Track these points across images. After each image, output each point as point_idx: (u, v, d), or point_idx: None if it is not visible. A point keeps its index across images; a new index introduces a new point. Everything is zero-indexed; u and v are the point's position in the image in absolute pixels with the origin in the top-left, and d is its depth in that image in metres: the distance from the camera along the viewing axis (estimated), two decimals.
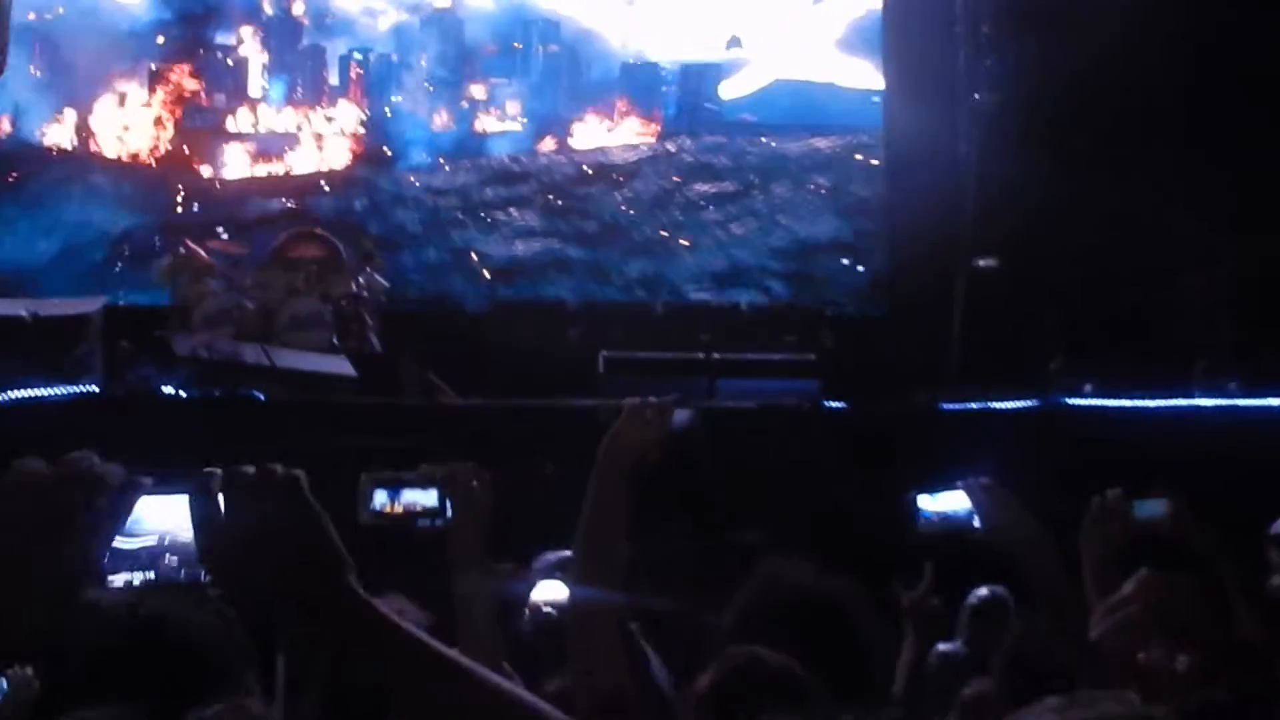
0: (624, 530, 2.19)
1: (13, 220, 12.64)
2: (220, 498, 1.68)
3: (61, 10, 14.55)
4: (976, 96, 9.97)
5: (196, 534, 1.68)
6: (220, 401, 6.33)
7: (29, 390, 5.86)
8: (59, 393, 5.95)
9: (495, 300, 9.83)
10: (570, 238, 14.16)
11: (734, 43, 14.85)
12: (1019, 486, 3.05)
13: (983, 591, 3.57)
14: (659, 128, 15.38)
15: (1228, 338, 7.44)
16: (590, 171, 14.77)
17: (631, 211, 14.30)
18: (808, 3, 14.65)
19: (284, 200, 13.80)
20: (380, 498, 2.32)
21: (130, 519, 2.00)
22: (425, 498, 2.37)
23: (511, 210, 14.30)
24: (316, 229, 10.33)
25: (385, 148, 14.59)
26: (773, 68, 15.26)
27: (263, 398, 6.35)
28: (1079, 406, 5.83)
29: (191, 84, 15.15)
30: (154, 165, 14.93)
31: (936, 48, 10.48)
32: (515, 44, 16.46)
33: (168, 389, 6.28)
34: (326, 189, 14.34)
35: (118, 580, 2.01)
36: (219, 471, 1.71)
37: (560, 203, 14.46)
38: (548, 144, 15.49)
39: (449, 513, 2.35)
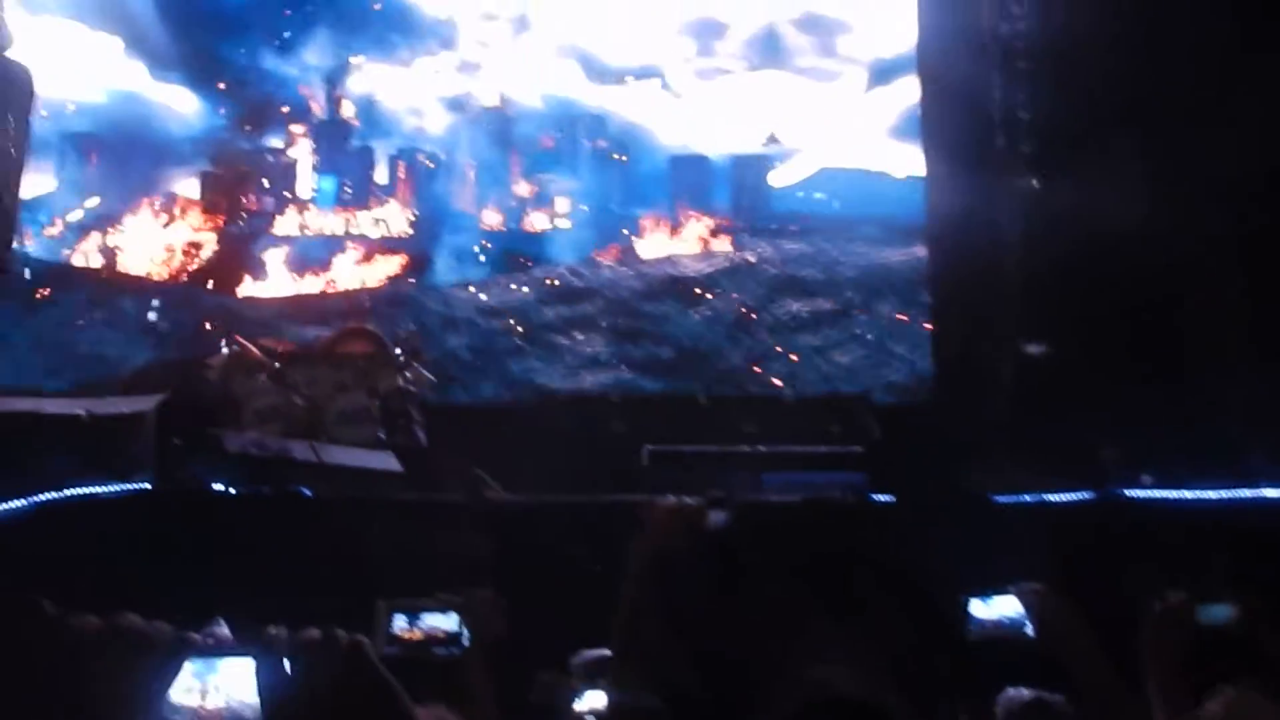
0: (660, 631, 2.16)
1: (23, 353, 12.90)
2: (286, 663, 1.67)
3: (115, 117, 15.04)
4: (1018, 179, 9.97)
5: (262, 701, 1.67)
6: (268, 498, 6.38)
7: (82, 488, 5.94)
8: (111, 490, 6.03)
9: (540, 393, 9.87)
10: (643, 366, 13.44)
11: (772, 139, 14.99)
12: (1076, 583, 2.97)
13: (1023, 694, 3.45)
14: (718, 222, 15.08)
15: None
16: (660, 286, 14.20)
17: (711, 334, 13.46)
18: (858, 92, 14.61)
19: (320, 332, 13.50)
20: (399, 624, 2.31)
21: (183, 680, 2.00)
22: (444, 623, 2.35)
23: (575, 334, 13.53)
24: (364, 325, 10.51)
25: (431, 254, 14.37)
26: (823, 156, 15.13)
27: (310, 494, 6.39)
28: (1137, 498, 5.67)
29: (238, 189, 15.48)
30: (185, 282, 14.89)
31: (975, 129, 10.50)
32: (562, 140, 16.63)
33: (218, 486, 6.34)
34: (368, 306, 14.23)
35: None
36: (282, 633, 1.71)
37: (629, 324, 13.57)
38: (609, 254, 15.19)
39: (466, 640, 2.33)
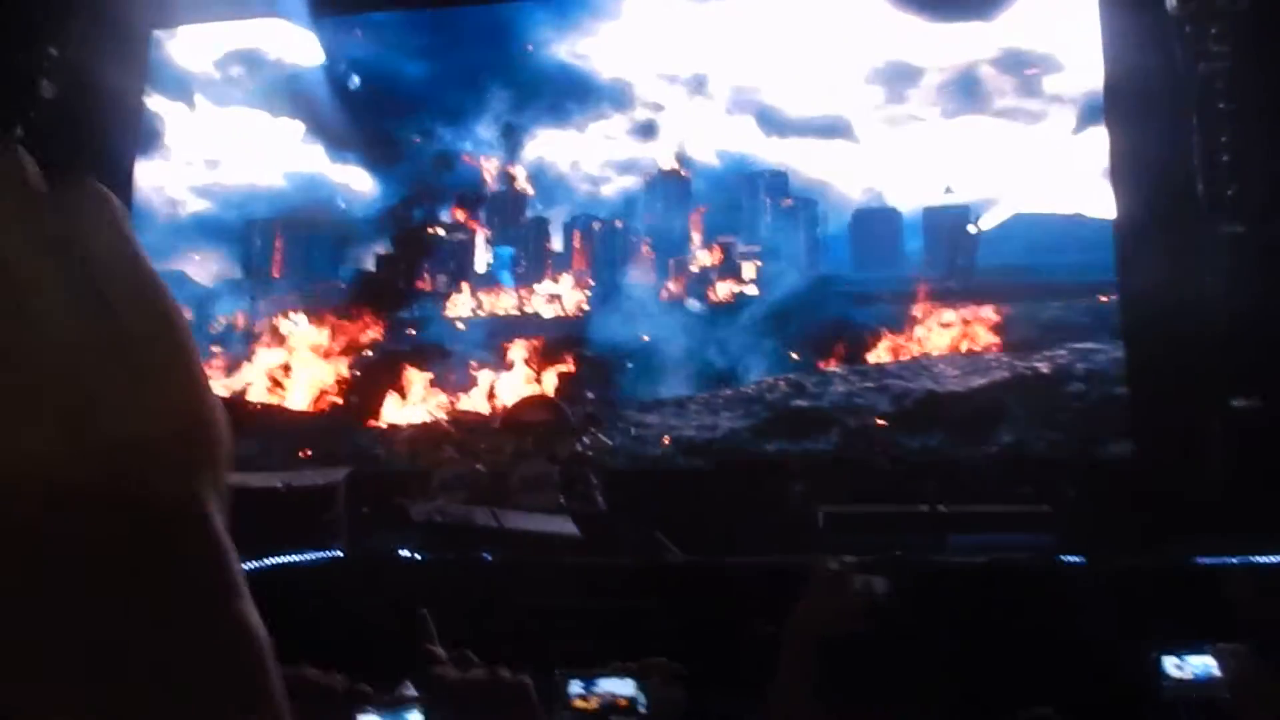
0: (807, 705, 2.11)
1: None
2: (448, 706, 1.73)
3: (296, 202, 15.39)
4: (1219, 226, 9.45)
5: None
6: (452, 563, 6.58)
7: (282, 557, 6.29)
8: (308, 558, 6.36)
9: (718, 456, 9.88)
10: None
11: (949, 190, 14.56)
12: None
13: None
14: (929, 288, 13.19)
15: None
16: (921, 410, 9.77)
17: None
18: (1065, 132, 13.79)
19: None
20: (575, 691, 2.34)
21: None
22: (621, 690, 2.36)
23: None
24: (544, 394, 10.81)
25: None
26: (1018, 202, 14.27)
27: (490, 559, 6.56)
28: None
29: (412, 268, 15.08)
30: (322, 414, 13.45)
31: (1171, 174, 10.00)
32: (744, 199, 15.70)
33: (404, 552, 6.59)
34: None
35: None
36: (450, 673, 1.77)
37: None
38: (833, 351, 11.47)
39: (643, 708, 2.34)
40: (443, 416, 9.80)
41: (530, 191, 16.14)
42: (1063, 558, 5.84)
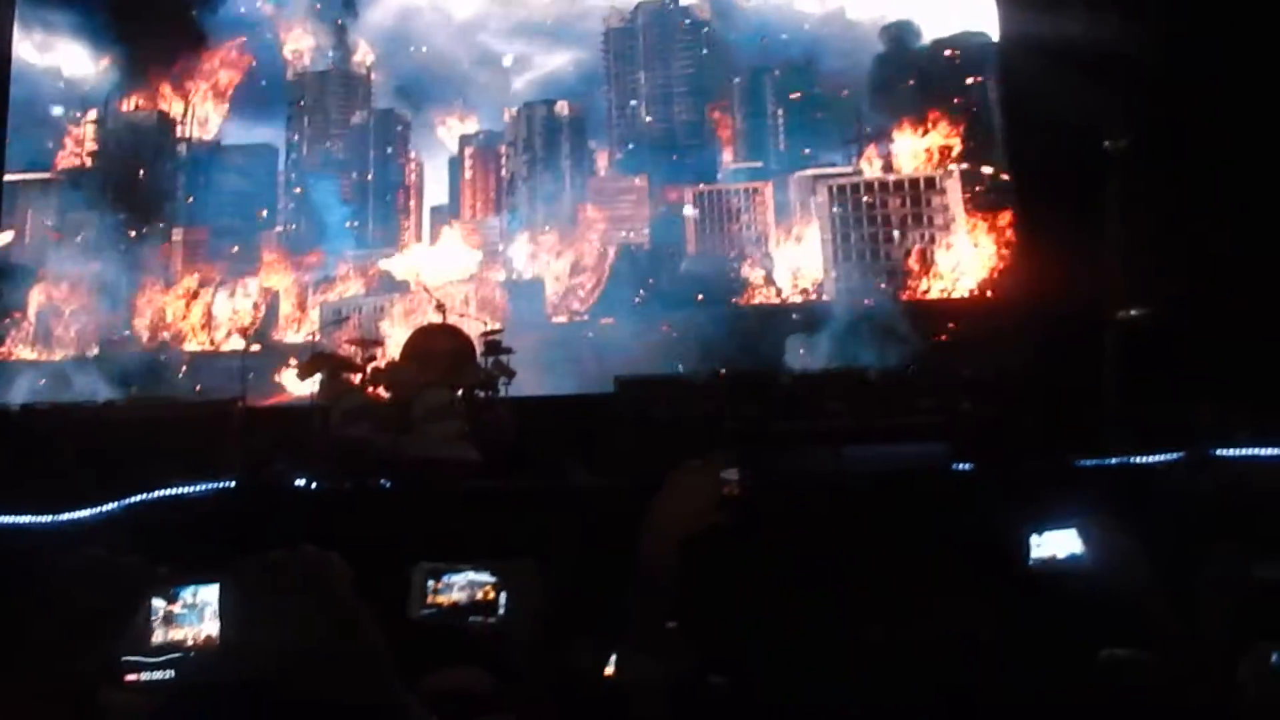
0: (670, 603, 2.10)
1: None
2: (251, 589, 1.64)
3: None
4: (1109, 142, 9.61)
5: (221, 630, 1.66)
6: (350, 492, 6.49)
7: (172, 489, 6.13)
8: (199, 489, 6.21)
9: (620, 380, 9.85)
10: None
11: None
12: (1161, 542, 2.84)
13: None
14: None
15: None
16: None
17: None
18: None
19: None
20: (432, 589, 2.30)
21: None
22: (480, 589, 2.33)
23: None
24: (446, 323, 10.64)
25: None
26: None
27: (389, 486, 6.49)
28: (1228, 458, 5.39)
29: None
30: None
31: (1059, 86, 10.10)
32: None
33: (300, 482, 6.48)
34: None
35: (136, 679, 2.02)
36: (245, 559, 1.69)
37: None
38: None
39: (502, 609, 2.31)
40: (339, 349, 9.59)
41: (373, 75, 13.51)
42: (954, 465, 5.98)
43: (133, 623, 1.67)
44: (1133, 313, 9.02)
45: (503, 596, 2.38)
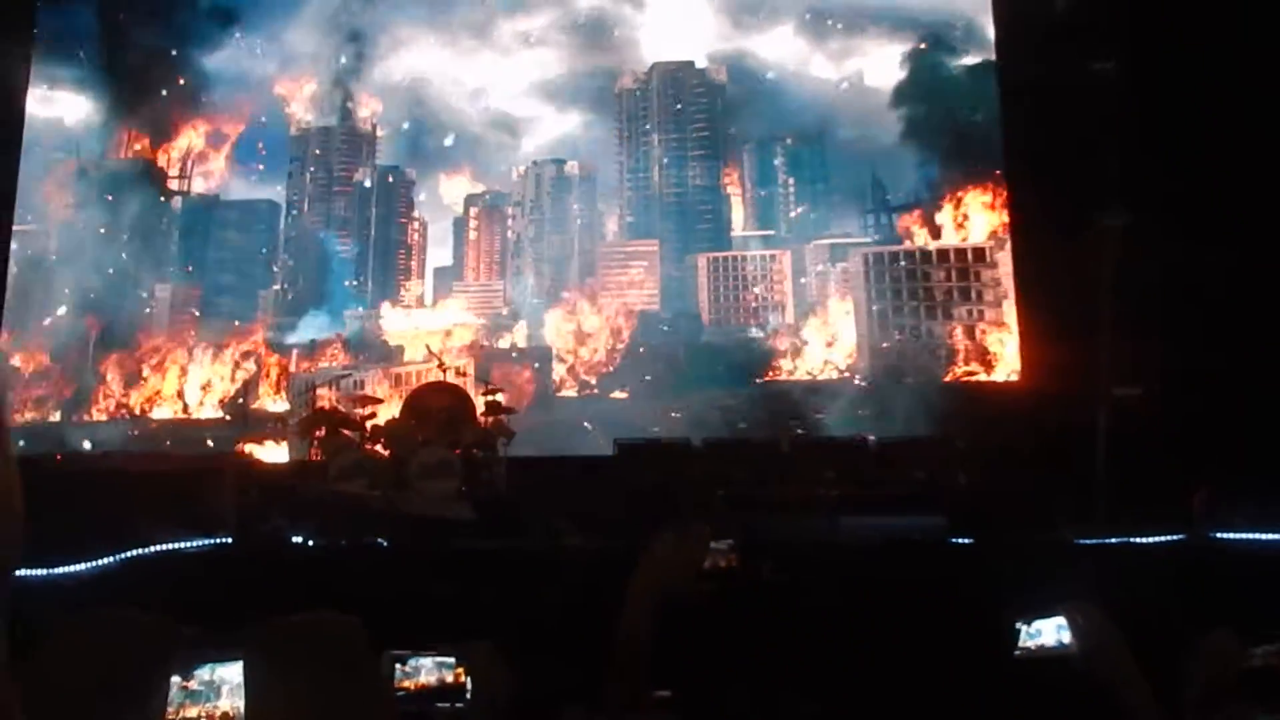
0: (648, 669, 2.12)
1: None
2: (276, 659, 1.68)
3: None
4: (1106, 219, 9.72)
5: (247, 704, 1.69)
6: (345, 550, 6.48)
7: (169, 544, 6.12)
8: (197, 544, 6.20)
9: (619, 443, 9.86)
10: None
11: None
12: (1156, 620, 2.85)
13: None
14: None
15: None
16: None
17: None
18: None
19: None
20: (400, 675, 2.32)
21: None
22: (445, 677, 2.36)
23: None
24: (445, 381, 10.68)
25: None
26: None
27: (386, 544, 6.48)
28: (1227, 541, 5.40)
29: None
30: None
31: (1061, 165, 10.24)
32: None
33: (296, 539, 6.47)
34: None
35: None
36: (269, 626, 1.72)
37: None
38: None
39: (468, 694, 2.33)
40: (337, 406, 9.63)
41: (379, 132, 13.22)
42: (952, 539, 5.98)
43: (164, 687, 1.69)
44: (1125, 391, 9.07)
45: (468, 681, 2.41)
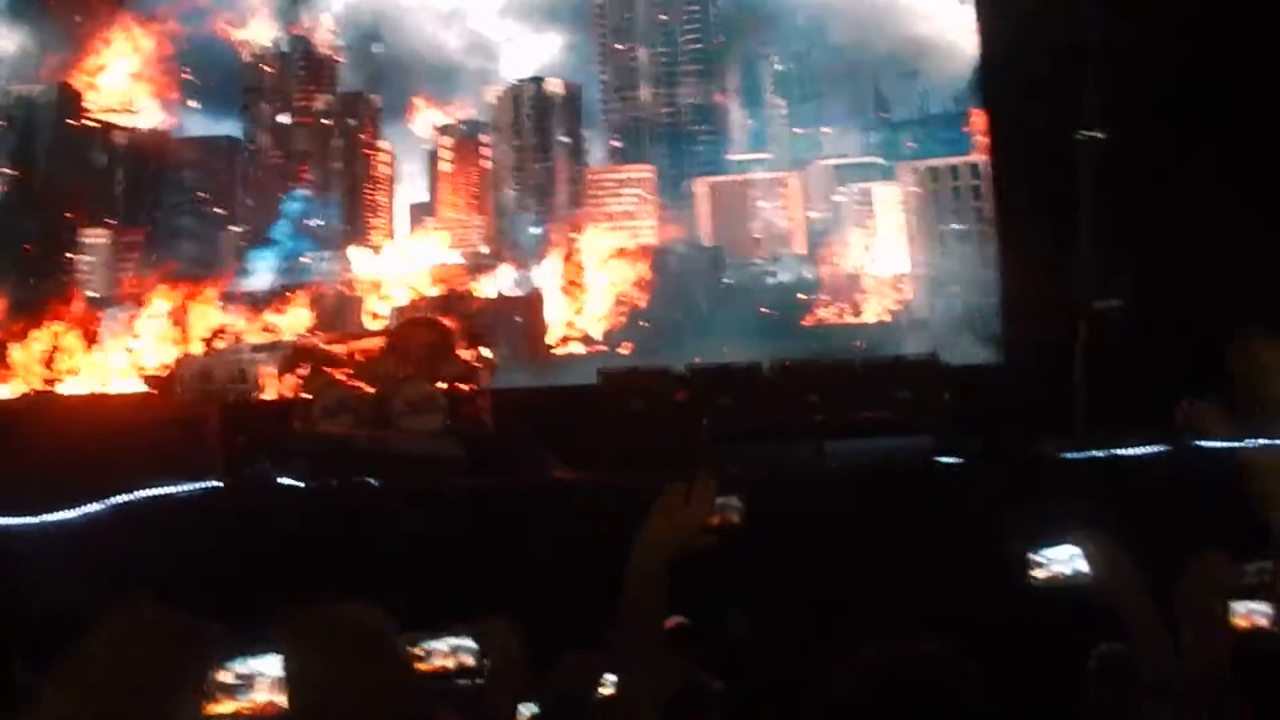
0: (659, 617, 2.12)
1: None
2: (297, 646, 1.69)
3: None
4: (1085, 134, 9.64)
5: (289, 687, 1.71)
6: (335, 490, 6.49)
7: (157, 489, 6.10)
8: (187, 489, 6.18)
9: (603, 372, 9.84)
10: None
11: None
12: (1149, 537, 2.89)
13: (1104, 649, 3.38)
14: None
15: None
16: None
17: None
18: None
19: None
20: (418, 655, 2.33)
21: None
22: (464, 656, 2.37)
23: None
24: (427, 315, 10.60)
25: None
26: None
27: (375, 484, 6.48)
28: (1212, 449, 5.44)
29: None
30: None
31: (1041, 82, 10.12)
32: None
33: (284, 481, 6.46)
34: None
35: None
36: (295, 618, 1.73)
37: None
38: None
39: (486, 671, 2.36)
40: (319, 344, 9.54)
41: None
42: (939, 459, 6.03)
43: (200, 688, 1.69)
44: (1107, 304, 9.07)
45: (486, 660, 2.44)
